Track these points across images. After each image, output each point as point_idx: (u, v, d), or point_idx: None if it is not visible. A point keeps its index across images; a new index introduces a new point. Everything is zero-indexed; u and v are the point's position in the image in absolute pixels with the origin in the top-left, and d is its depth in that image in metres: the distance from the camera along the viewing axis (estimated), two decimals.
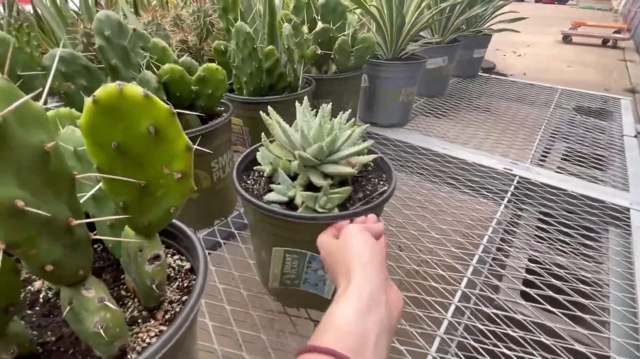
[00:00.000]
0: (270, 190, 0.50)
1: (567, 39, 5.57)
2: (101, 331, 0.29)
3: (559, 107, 1.49)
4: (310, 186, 0.47)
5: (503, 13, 1.60)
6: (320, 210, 0.45)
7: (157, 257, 0.34)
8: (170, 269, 0.41)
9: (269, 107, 0.52)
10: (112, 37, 0.56)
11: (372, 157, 0.50)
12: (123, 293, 0.39)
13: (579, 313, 0.61)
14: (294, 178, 0.48)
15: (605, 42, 5.41)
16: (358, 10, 1.20)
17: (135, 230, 0.34)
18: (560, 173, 1.01)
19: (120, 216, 0.30)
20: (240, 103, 0.81)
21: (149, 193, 0.31)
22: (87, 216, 0.43)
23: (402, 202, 0.89)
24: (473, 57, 1.73)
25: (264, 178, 0.53)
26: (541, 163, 1.10)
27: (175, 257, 0.43)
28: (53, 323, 0.36)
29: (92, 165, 0.30)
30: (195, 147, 0.29)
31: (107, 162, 0.28)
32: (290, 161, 0.48)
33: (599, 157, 1.11)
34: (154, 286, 0.34)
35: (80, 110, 0.38)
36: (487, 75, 1.87)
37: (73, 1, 1.37)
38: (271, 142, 0.53)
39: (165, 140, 0.27)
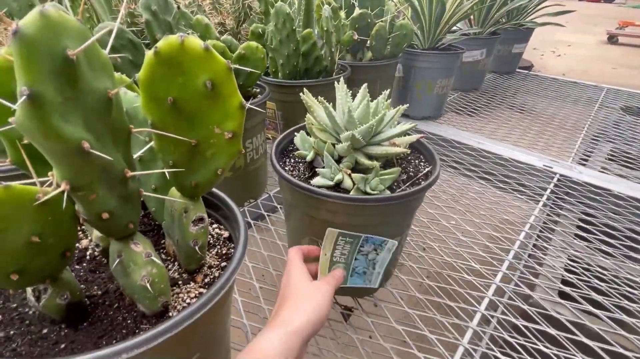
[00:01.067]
0: (312, 175, 0.49)
1: (612, 39, 5.24)
2: (147, 284, 0.29)
3: (604, 106, 1.40)
4: (354, 169, 0.47)
5: (547, 6, 1.52)
6: (371, 192, 0.44)
7: (201, 219, 0.34)
8: (210, 237, 0.41)
9: (304, 89, 0.52)
10: (158, 12, 0.58)
11: (416, 136, 0.49)
12: (163, 256, 0.40)
13: (624, 317, 0.58)
14: (337, 161, 0.47)
15: None
16: None
17: (182, 192, 0.34)
18: (604, 172, 0.95)
19: (172, 170, 0.30)
20: (275, 86, 0.82)
21: (199, 152, 0.31)
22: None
23: (434, 194, 0.87)
24: (512, 51, 1.66)
25: (302, 164, 0.52)
26: (583, 162, 1.04)
27: (214, 226, 0.43)
28: (99, 278, 0.37)
29: (144, 125, 0.30)
30: (248, 105, 0.29)
31: (161, 118, 0.29)
32: (334, 145, 0.48)
33: None
34: (196, 248, 0.34)
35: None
36: (526, 72, 1.79)
37: None
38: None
39: (220, 96, 0.27)
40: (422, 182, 0.48)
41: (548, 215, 0.82)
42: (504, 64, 1.71)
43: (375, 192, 0.44)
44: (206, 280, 0.36)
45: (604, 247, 0.72)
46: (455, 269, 0.66)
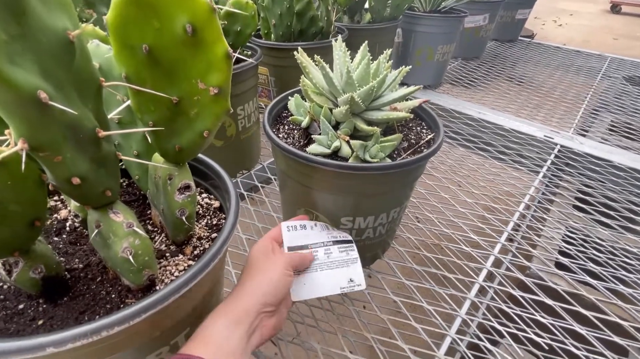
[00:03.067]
0: (308, 143, 0.46)
1: (615, 8, 5.10)
2: (130, 257, 0.27)
3: (607, 76, 1.37)
4: (352, 136, 0.43)
5: None
6: (370, 160, 0.41)
7: (187, 187, 0.32)
8: (199, 207, 0.39)
9: (299, 47, 0.47)
10: None
11: (418, 101, 0.46)
12: (150, 228, 0.38)
13: (620, 287, 0.57)
14: (334, 127, 0.44)
15: None
16: None
17: (165, 157, 0.31)
18: (605, 143, 0.93)
19: (152, 129, 0.27)
20: (268, 49, 0.76)
21: (182, 112, 0.28)
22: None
23: (432, 166, 0.84)
24: (515, 17, 1.59)
25: (296, 131, 0.49)
26: (584, 133, 1.02)
27: (204, 196, 0.40)
28: (80, 251, 0.35)
29: (120, 81, 0.27)
30: (237, 55, 0.25)
31: (137, 70, 0.25)
32: (331, 109, 0.44)
33: None
34: (183, 218, 0.31)
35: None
36: (528, 40, 1.73)
37: None
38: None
39: (202, 43, 0.24)
40: (425, 150, 0.46)
41: (547, 186, 0.80)
42: (506, 31, 1.64)
43: (375, 160, 0.41)
44: (195, 252, 0.34)
45: (602, 219, 0.71)
46: (453, 240, 0.65)
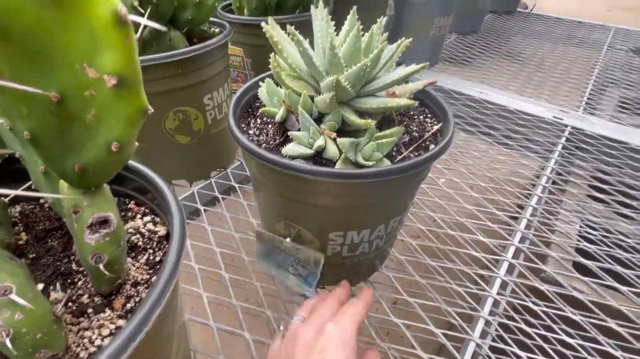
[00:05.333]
0: (284, 141, 0.36)
1: None
2: (6, 340, 0.18)
3: (612, 48, 1.28)
4: (340, 131, 0.34)
5: None
6: (364, 162, 0.31)
7: (104, 222, 0.22)
8: (138, 236, 0.29)
9: (270, 18, 0.37)
10: None
11: (422, 82, 0.36)
12: (74, 266, 0.28)
13: None
14: (317, 120, 0.34)
15: None
16: None
17: (65, 180, 0.21)
18: (618, 122, 0.85)
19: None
20: (240, 26, 0.65)
21: (72, 115, 0.18)
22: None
23: None
24: None
25: (271, 125, 0.39)
26: (593, 112, 0.94)
27: (147, 219, 0.31)
28: None
29: None
30: (138, 19, 0.15)
31: None
32: (312, 97, 0.34)
33: None
34: (101, 266, 0.22)
35: None
36: (527, 11, 1.62)
37: None
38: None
39: (70, 1, 0.13)
40: (432, 146, 0.36)
41: (559, 174, 0.72)
42: (504, 2, 1.53)
43: (370, 163, 0.32)
44: (129, 305, 0.25)
45: (623, 210, 0.63)
46: (458, 244, 0.57)
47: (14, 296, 0.18)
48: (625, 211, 0.64)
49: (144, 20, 0.16)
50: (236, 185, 0.65)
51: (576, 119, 0.84)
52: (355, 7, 0.34)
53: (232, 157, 0.69)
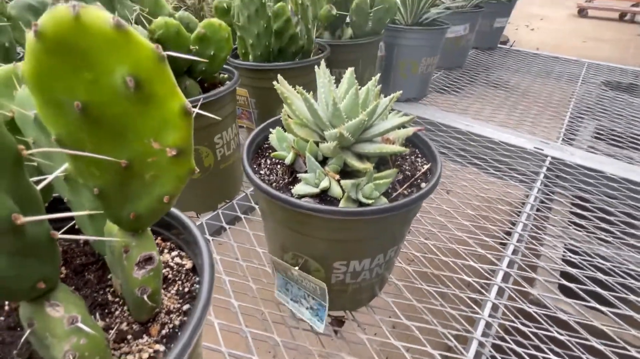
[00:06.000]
0: (293, 180, 0.41)
1: (582, 12, 5.31)
2: None
3: (586, 82, 1.38)
4: (342, 172, 0.39)
5: None
6: (364, 200, 0.36)
7: (149, 260, 0.26)
8: (168, 269, 0.33)
9: (279, 75, 0.43)
10: None
11: (413, 129, 0.41)
12: (110, 297, 0.32)
13: (629, 312, 0.54)
14: (321, 162, 0.39)
15: (622, 16, 5.16)
16: None
17: (119, 224, 0.25)
18: (594, 152, 0.92)
19: (92, 212, 0.22)
20: (246, 71, 0.71)
21: (134, 175, 0.22)
22: (57, 203, 0.34)
23: None
24: (494, 26, 1.59)
25: (280, 165, 0.44)
26: (571, 142, 1.01)
27: (174, 254, 0.35)
28: (20, 338, 0.28)
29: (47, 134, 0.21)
30: (196, 110, 0.20)
31: (70, 131, 0.20)
32: (317, 143, 0.39)
33: (636, 137, 1.02)
34: (145, 298, 0.26)
35: None
36: (507, 47, 1.74)
37: None
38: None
39: (151, 98, 0.18)
40: (423, 184, 0.42)
41: (542, 201, 0.78)
42: (485, 39, 1.65)
43: (369, 201, 0.37)
44: (164, 331, 0.28)
45: (602, 235, 0.69)
46: (451, 269, 0.61)
47: (80, 324, 0.22)
48: (604, 235, 0.69)
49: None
50: (241, 215, 0.69)
51: (555, 150, 0.90)
52: (352, 69, 0.40)
53: (238, 189, 0.74)
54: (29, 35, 0.16)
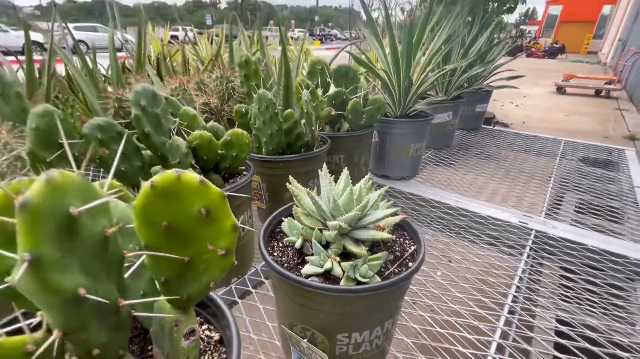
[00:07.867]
0: (301, 261, 0.50)
1: (561, 89, 5.83)
2: None
3: (564, 158, 1.52)
4: (343, 254, 0.48)
5: (500, 72, 1.70)
6: (361, 279, 0.44)
7: (192, 332, 0.34)
8: (199, 341, 0.40)
9: (290, 177, 0.54)
10: (147, 106, 0.61)
11: (399, 217, 0.51)
12: None
13: None
14: (325, 246, 0.48)
15: (598, 92, 5.64)
16: (363, 70, 1.28)
17: (173, 304, 0.34)
18: (575, 226, 1.00)
19: (161, 298, 0.30)
20: (259, 162, 0.84)
21: (192, 268, 0.31)
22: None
23: None
24: (475, 110, 1.81)
25: (290, 248, 0.53)
26: (555, 215, 1.10)
27: (204, 327, 0.42)
28: None
29: (133, 237, 0.31)
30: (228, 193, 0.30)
31: (155, 239, 0.29)
32: (321, 229, 0.49)
33: (614, 209, 1.11)
34: None
35: (115, 174, 0.39)
36: (490, 127, 1.94)
37: (101, 64, 1.48)
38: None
39: (214, 219, 0.29)
40: (410, 263, 0.50)
41: (530, 274, 0.84)
42: (470, 122, 1.85)
43: (365, 279, 0.45)
44: None
45: (589, 308, 0.73)
46: (449, 341, 0.65)
47: None
48: (589, 305, 0.74)
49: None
50: (252, 290, 0.76)
51: (539, 223, 0.99)
52: (348, 172, 0.52)
53: (249, 264, 0.81)
54: (146, 184, 0.27)
